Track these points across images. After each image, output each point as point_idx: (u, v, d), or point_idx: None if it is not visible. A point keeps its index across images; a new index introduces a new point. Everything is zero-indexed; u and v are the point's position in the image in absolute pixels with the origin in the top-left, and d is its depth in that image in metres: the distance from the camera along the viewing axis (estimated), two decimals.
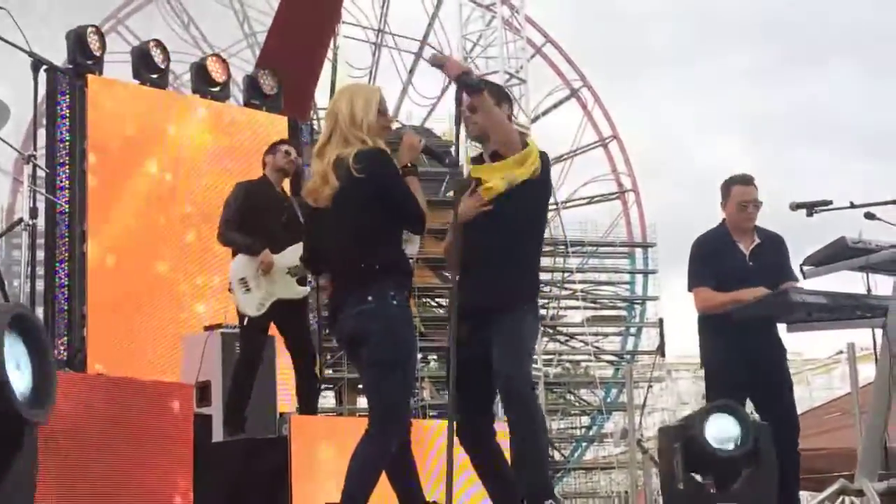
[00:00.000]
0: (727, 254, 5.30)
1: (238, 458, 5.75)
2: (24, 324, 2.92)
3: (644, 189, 31.31)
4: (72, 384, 4.27)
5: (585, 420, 30.66)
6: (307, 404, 6.16)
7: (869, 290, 4.81)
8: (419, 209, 3.92)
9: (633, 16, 53.71)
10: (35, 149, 6.69)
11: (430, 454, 5.27)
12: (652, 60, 57.41)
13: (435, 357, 25.53)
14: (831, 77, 66.98)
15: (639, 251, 30.99)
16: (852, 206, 4.92)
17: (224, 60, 9.47)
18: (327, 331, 4.04)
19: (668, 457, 4.61)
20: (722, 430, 4.67)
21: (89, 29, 8.31)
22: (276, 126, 9.16)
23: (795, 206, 4.88)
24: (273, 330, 6.29)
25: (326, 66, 19.69)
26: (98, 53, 8.33)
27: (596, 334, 30.30)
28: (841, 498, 4.82)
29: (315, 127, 11.58)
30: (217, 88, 9.19)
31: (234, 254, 6.16)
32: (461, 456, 4.08)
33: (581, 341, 30.18)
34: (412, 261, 4.14)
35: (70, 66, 8.26)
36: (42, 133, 8.05)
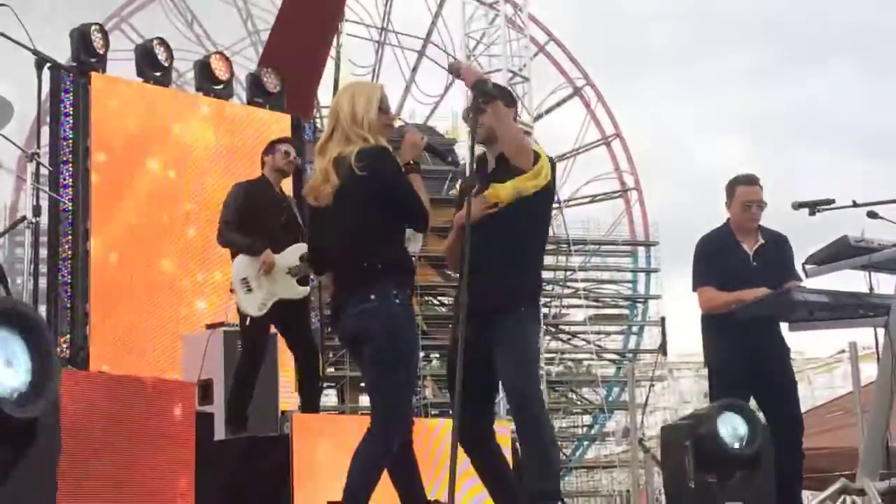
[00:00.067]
0: (731, 254, 5.31)
1: (240, 457, 5.75)
2: (20, 320, 2.91)
3: (646, 188, 31.35)
4: (74, 382, 4.27)
5: (587, 419, 30.67)
6: (309, 402, 6.16)
7: (871, 288, 4.81)
8: (422, 207, 3.91)
9: (635, 15, 53.65)
10: (38, 146, 6.68)
11: (432, 453, 5.27)
12: (654, 60, 57.38)
13: (437, 356, 25.55)
14: (831, 77, 66.90)
15: (641, 250, 30.99)
16: (855, 204, 4.92)
17: (227, 58, 9.48)
18: (329, 329, 4.04)
19: (676, 454, 4.60)
20: (732, 429, 4.68)
21: (93, 27, 8.32)
22: (279, 124, 9.16)
23: (798, 206, 4.88)
24: (275, 329, 6.30)
25: (329, 64, 19.69)
26: (101, 51, 8.35)
27: (598, 333, 30.32)
28: (842, 497, 4.82)
29: (318, 125, 11.59)
30: (220, 86, 9.20)
31: (234, 254, 6.16)
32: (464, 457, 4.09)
33: (583, 340, 30.20)
34: (414, 259, 4.14)
35: (74, 64, 8.26)
36: (45, 131, 8.06)
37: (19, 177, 19.30)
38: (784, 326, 5.17)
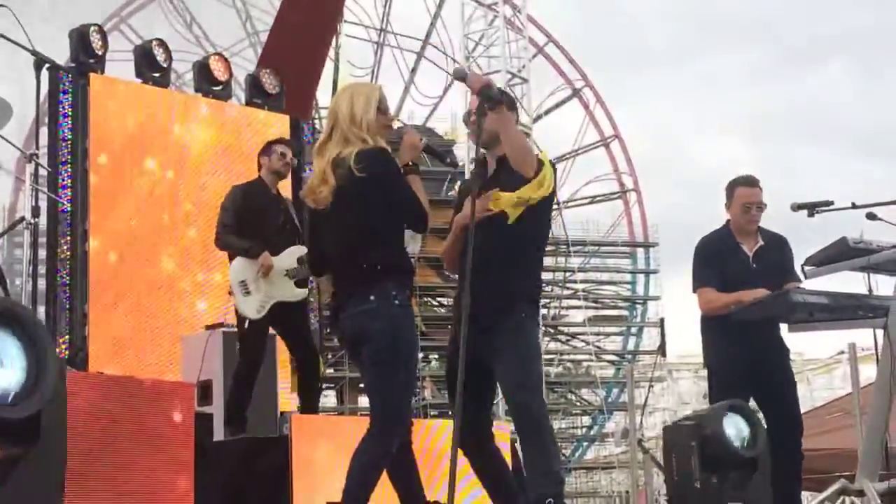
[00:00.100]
0: (731, 255, 5.31)
1: (239, 458, 5.74)
2: (16, 321, 2.90)
3: (645, 189, 31.36)
4: (73, 383, 4.26)
5: (586, 420, 30.68)
6: (308, 403, 6.16)
7: (870, 290, 4.81)
8: (421, 208, 3.91)
9: (634, 15, 53.74)
10: (37, 147, 6.69)
11: (431, 454, 5.27)
12: (653, 60, 57.44)
13: (436, 356, 25.55)
14: (831, 77, 66.96)
15: (640, 251, 31.01)
16: (854, 206, 4.92)
17: (226, 59, 9.49)
18: (328, 330, 4.04)
19: (681, 455, 4.59)
20: (736, 430, 4.69)
21: (92, 28, 8.33)
22: (278, 125, 9.17)
23: (797, 207, 4.89)
24: (274, 330, 6.29)
25: (328, 65, 19.69)
26: (100, 52, 8.35)
27: (597, 334, 30.32)
28: (841, 498, 4.82)
29: (317, 126, 11.59)
30: (219, 87, 9.20)
31: (232, 257, 6.16)
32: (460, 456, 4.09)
33: (582, 341, 30.20)
34: (413, 260, 4.14)
35: (72, 65, 8.27)
36: (44, 131, 8.06)
37: (18, 178, 19.29)
38: (784, 327, 5.17)
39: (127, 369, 7.20)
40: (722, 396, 5.01)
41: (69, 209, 7.95)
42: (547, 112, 30.41)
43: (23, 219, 5.27)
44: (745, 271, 5.25)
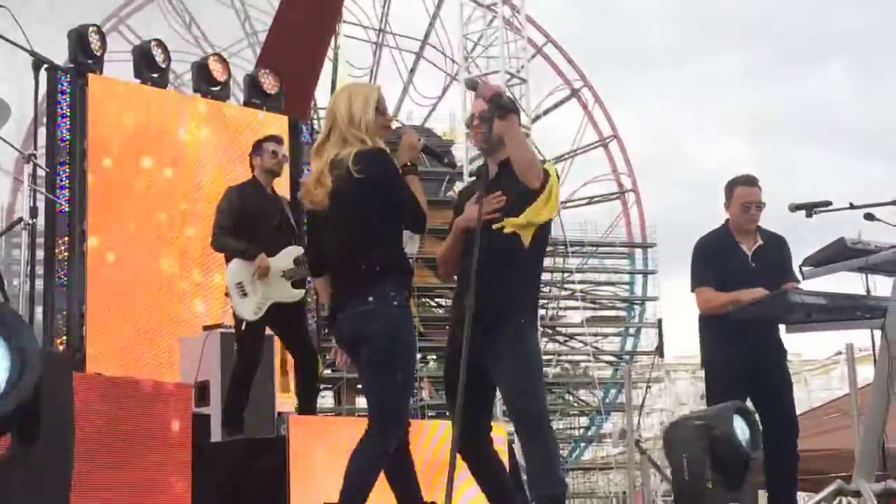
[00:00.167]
0: (730, 255, 5.32)
1: (236, 458, 5.75)
2: None
3: (644, 189, 31.38)
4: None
5: (584, 420, 30.69)
6: (306, 404, 6.17)
7: (868, 290, 4.82)
8: (420, 209, 3.91)
9: (634, 15, 53.77)
10: (35, 148, 6.68)
11: (428, 454, 5.27)
12: (653, 60, 57.46)
13: (434, 357, 25.55)
14: (831, 77, 66.99)
15: (638, 251, 31.02)
16: (852, 206, 4.93)
17: (225, 60, 9.48)
18: (326, 331, 4.04)
19: (693, 454, 4.58)
20: (741, 431, 4.70)
21: (90, 28, 8.32)
22: (277, 125, 9.16)
23: (795, 208, 4.89)
24: (271, 331, 6.29)
25: (327, 65, 19.69)
26: (99, 53, 8.35)
27: (595, 335, 30.33)
28: (838, 499, 4.83)
29: (315, 126, 11.59)
30: (218, 88, 9.20)
31: (229, 258, 6.16)
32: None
33: (580, 341, 30.21)
34: (412, 260, 4.14)
35: (71, 66, 8.27)
36: (42, 132, 8.06)
37: (16, 178, 19.29)
38: (781, 328, 5.18)
39: (125, 370, 7.19)
40: (719, 396, 5.02)
41: (67, 210, 7.94)
42: (546, 112, 30.42)
43: (21, 219, 5.27)
44: (744, 271, 5.26)
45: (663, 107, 58.33)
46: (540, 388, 4.15)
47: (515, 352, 4.03)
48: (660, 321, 29.50)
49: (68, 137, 8.06)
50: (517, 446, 4.54)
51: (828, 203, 4.87)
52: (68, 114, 8.07)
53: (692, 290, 5.34)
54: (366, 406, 3.98)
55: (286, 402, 7.31)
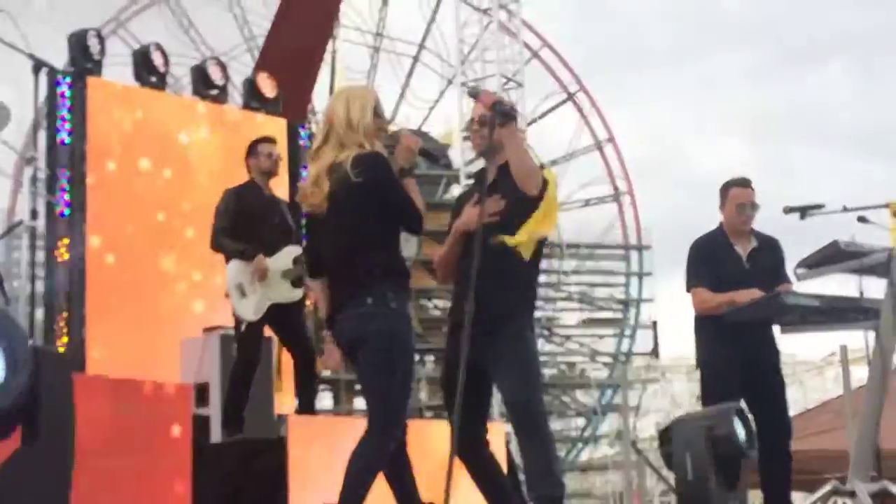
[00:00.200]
0: (725, 256, 5.35)
1: (236, 459, 5.77)
2: None
3: (640, 191, 31.39)
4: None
5: (581, 421, 30.69)
6: (305, 404, 6.19)
7: (861, 293, 4.86)
8: (417, 211, 3.94)
9: (633, 16, 53.66)
10: (35, 151, 6.74)
11: (426, 455, 5.30)
12: (652, 61, 57.37)
13: (432, 358, 25.53)
14: (831, 78, 66.97)
15: (634, 254, 31.03)
16: (845, 209, 4.98)
17: (223, 64, 9.53)
18: (325, 331, 4.07)
19: (697, 454, 4.61)
20: (741, 431, 4.75)
21: (90, 32, 8.37)
22: (275, 129, 9.19)
23: (788, 210, 4.94)
24: (270, 332, 6.32)
25: (324, 69, 19.72)
26: (98, 56, 8.39)
27: (591, 336, 30.36)
28: (833, 499, 4.86)
29: (313, 129, 11.62)
30: (216, 91, 9.24)
31: (228, 259, 6.19)
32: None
33: (576, 342, 30.23)
34: (408, 262, 4.17)
35: (71, 69, 8.31)
36: (42, 135, 8.11)
37: (16, 181, 19.27)
38: (776, 329, 5.22)
39: (126, 372, 7.21)
40: (715, 397, 5.05)
41: (67, 212, 7.98)
42: (542, 116, 30.44)
43: (21, 222, 5.31)
44: (739, 272, 5.30)
45: (662, 107, 58.22)
46: (538, 389, 4.19)
47: (514, 352, 4.07)
48: (655, 323, 29.59)
49: (68, 140, 8.09)
50: (514, 447, 4.56)
51: (821, 205, 4.91)
52: (68, 117, 8.11)
53: (687, 291, 5.38)
54: (365, 407, 4.00)
55: (283, 402, 7.33)
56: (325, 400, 24.60)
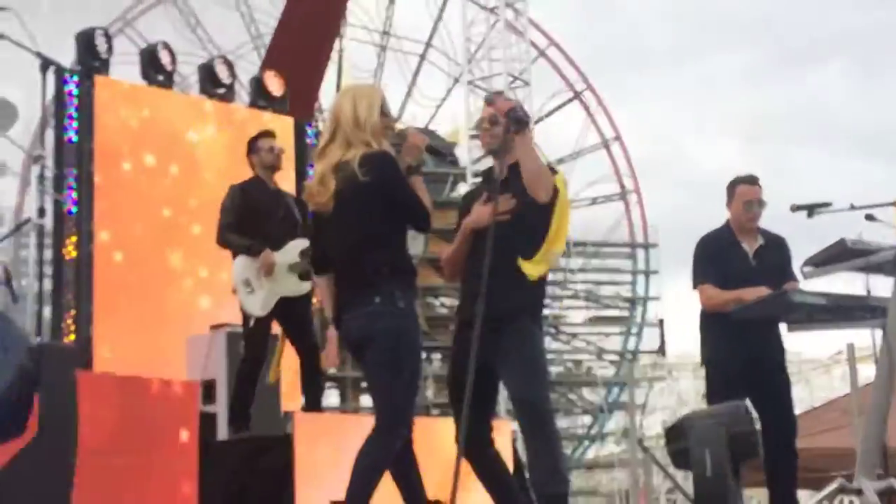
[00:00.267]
0: (731, 253, 5.35)
1: (243, 456, 5.78)
2: None
3: (646, 190, 31.37)
4: (78, 383, 4.31)
5: (587, 419, 30.69)
6: (312, 401, 6.20)
7: (869, 291, 4.85)
8: (424, 209, 3.94)
9: (635, 16, 53.61)
10: (43, 149, 6.75)
11: (432, 452, 5.30)
12: (653, 61, 57.31)
13: (439, 356, 25.55)
14: (831, 78, 66.86)
15: (640, 252, 31.01)
16: (852, 207, 4.97)
17: (230, 62, 9.56)
18: (328, 330, 4.07)
19: (716, 451, 4.61)
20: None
21: (97, 31, 8.40)
22: (282, 127, 9.20)
23: (795, 208, 4.92)
24: (276, 327, 6.32)
25: (331, 68, 19.73)
26: (105, 55, 8.42)
27: (598, 334, 30.37)
28: (840, 497, 4.85)
29: (320, 127, 11.65)
30: (223, 90, 9.26)
31: (235, 255, 6.20)
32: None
33: (583, 340, 30.25)
34: (415, 261, 4.17)
35: (78, 67, 8.33)
36: (50, 133, 8.14)
37: (24, 179, 19.32)
38: (782, 327, 5.22)
39: (133, 369, 7.23)
40: (720, 395, 5.05)
41: (75, 210, 8.01)
42: (548, 114, 30.42)
43: (29, 220, 5.33)
44: (746, 269, 5.30)
45: (663, 107, 58.19)
46: (545, 387, 4.20)
47: (521, 350, 4.08)
48: (661, 321, 29.59)
49: (76, 139, 8.13)
50: (521, 445, 4.57)
51: (828, 204, 4.90)
52: (75, 115, 8.14)
53: (694, 288, 5.37)
54: (371, 404, 4.01)
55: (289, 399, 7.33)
56: (331, 397, 24.64)
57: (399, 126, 4.30)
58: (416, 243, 4.46)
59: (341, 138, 3.93)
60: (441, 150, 4.51)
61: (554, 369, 28.38)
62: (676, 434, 4.85)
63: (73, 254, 7.94)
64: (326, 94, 18.60)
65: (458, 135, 27.33)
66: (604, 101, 31.04)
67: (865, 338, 5.58)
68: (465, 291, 4.26)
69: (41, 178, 5.80)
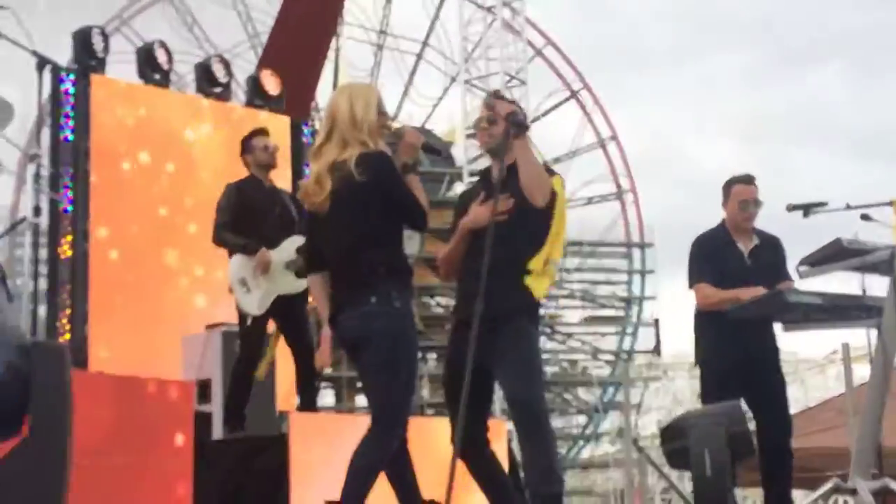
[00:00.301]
0: (727, 253, 5.36)
1: (238, 456, 5.78)
2: None
3: (642, 190, 31.41)
4: (73, 383, 4.30)
5: (582, 419, 30.72)
6: (307, 401, 6.20)
7: (864, 290, 4.86)
8: (421, 208, 3.93)
9: (633, 16, 53.73)
10: (39, 148, 6.74)
11: (427, 452, 5.30)
12: (652, 61, 57.40)
13: (434, 356, 25.57)
14: (831, 78, 66.96)
15: (636, 251, 31.05)
16: (848, 207, 4.98)
17: (227, 61, 9.55)
18: (322, 330, 4.06)
19: (716, 451, 4.61)
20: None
21: (94, 29, 8.40)
22: (278, 126, 9.21)
23: (791, 208, 4.93)
24: (273, 326, 6.32)
25: (328, 66, 19.73)
26: (102, 53, 8.41)
27: (593, 333, 30.40)
28: (834, 497, 4.86)
29: (316, 126, 11.65)
30: (220, 89, 9.26)
31: (231, 254, 6.20)
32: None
33: (579, 340, 30.27)
34: (410, 260, 4.17)
35: (74, 66, 8.33)
36: (46, 132, 8.13)
37: (20, 178, 19.33)
38: (777, 327, 5.22)
39: (128, 368, 7.23)
40: (714, 395, 5.06)
41: (70, 209, 8.00)
42: (545, 113, 30.44)
43: (24, 218, 5.32)
44: (741, 269, 5.30)
45: (662, 107, 58.34)
46: (540, 387, 4.20)
47: (517, 350, 4.08)
48: (657, 321, 29.61)
49: (71, 137, 8.12)
50: (516, 444, 4.57)
51: (824, 203, 4.91)
52: (71, 114, 8.13)
53: (690, 287, 5.37)
54: (366, 404, 4.00)
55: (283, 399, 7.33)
56: (326, 397, 24.66)
57: (395, 125, 4.28)
58: (411, 243, 4.45)
59: (337, 137, 3.91)
60: (435, 147, 4.50)
61: (549, 369, 28.40)
62: (672, 434, 4.85)
63: (69, 253, 7.93)
64: (323, 93, 18.60)
65: (454, 134, 27.36)
66: (600, 100, 31.08)
67: (861, 337, 5.58)
68: (461, 291, 4.26)
69: (37, 176, 5.80)
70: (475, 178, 4.73)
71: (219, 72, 9.21)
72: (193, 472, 4.77)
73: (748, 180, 5.41)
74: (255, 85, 9.56)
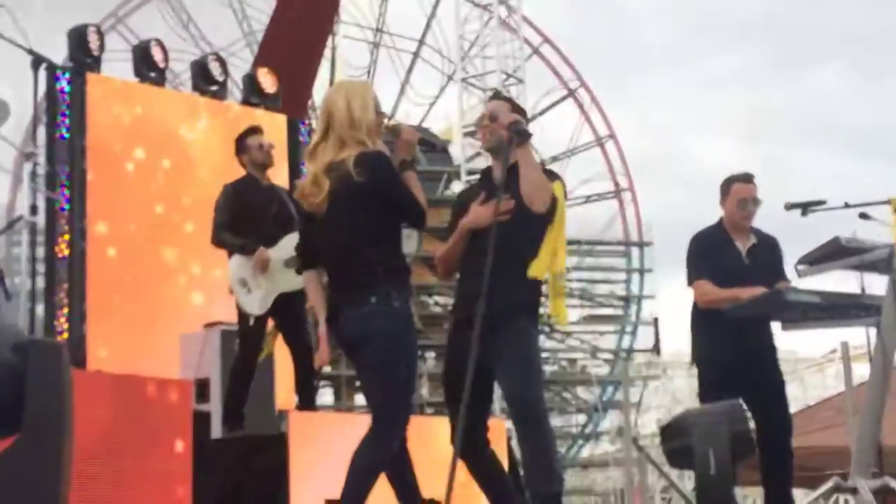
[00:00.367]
0: (725, 251, 5.35)
1: (237, 455, 5.77)
2: None
3: (641, 188, 31.41)
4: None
5: (581, 418, 30.73)
6: (306, 400, 6.18)
7: (863, 289, 4.85)
8: (419, 206, 3.91)
9: (633, 14, 53.76)
10: (35, 146, 6.73)
11: (427, 452, 5.29)
12: (650, 60, 57.43)
13: (433, 355, 25.57)
14: (830, 78, 67.03)
15: (635, 250, 31.06)
16: (846, 206, 4.97)
17: (223, 59, 9.54)
18: (321, 329, 4.04)
19: (720, 449, 4.60)
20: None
21: (89, 27, 8.39)
22: (275, 124, 9.20)
23: (790, 206, 4.93)
24: (273, 325, 6.31)
25: (324, 65, 19.71)
26: (98, 52, 8.40)
27: (592, 332, 30.41)
28: (835, 496, 4.86)
29: (313, 125, 11.64)
30: (216, 87, 9.25)
31: (230, 254, 6.18)
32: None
33: (577, 339, 30.28)
34: (408, 259, 4.16)
35: (70, 64, 8.31)
36: (42, 130, 8.12)
37: (16, 176, 19.31)
38: (775, 326, 5.21)
39: (127, 367, 7.22)
40: (713, 394, 5.04)
41: (67, 207, 7.99)
42: (542, 112, 30.44)
43: (21, 217, 5.30)
44: (739, 267, 5.29)
45: (662, 106, 58.35)
46: (540, 386, 4.19)
47: (517, 348, 4.07)
48: (656, 319, 29.61)
49: (67, 136, 8.11)
50: (515, 443, 4.57)
51: (822, 202, 4.90)
52: (67, 112, 8.12)
53: (689, 284, 5.36)
54: (365, 403, 3.99)
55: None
56: (325, 396, 24.66)
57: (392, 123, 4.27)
58: (409, 242, 4.43)
59: (334, 137, 3.88)
60: (433, 141, 4.49)
61: (548, 368, 28.42)
62: (672, 433, 4.83)
63: (66, 251, 7.92)
64: (319, 92, 18.56)
65: (451, 132, 27.33)
66: (598, 98, 31.07)
67: (860, 336, 5.57)
68: (461, 290, 4.25)
69: (33, 175, 5.80)
70: (473, 177, 4.71)
71: (215, 70, 9.20)
72: (192, 472, 4.76)
73: (747, 179, 5.40)
74: (251, 83, 9.55)
